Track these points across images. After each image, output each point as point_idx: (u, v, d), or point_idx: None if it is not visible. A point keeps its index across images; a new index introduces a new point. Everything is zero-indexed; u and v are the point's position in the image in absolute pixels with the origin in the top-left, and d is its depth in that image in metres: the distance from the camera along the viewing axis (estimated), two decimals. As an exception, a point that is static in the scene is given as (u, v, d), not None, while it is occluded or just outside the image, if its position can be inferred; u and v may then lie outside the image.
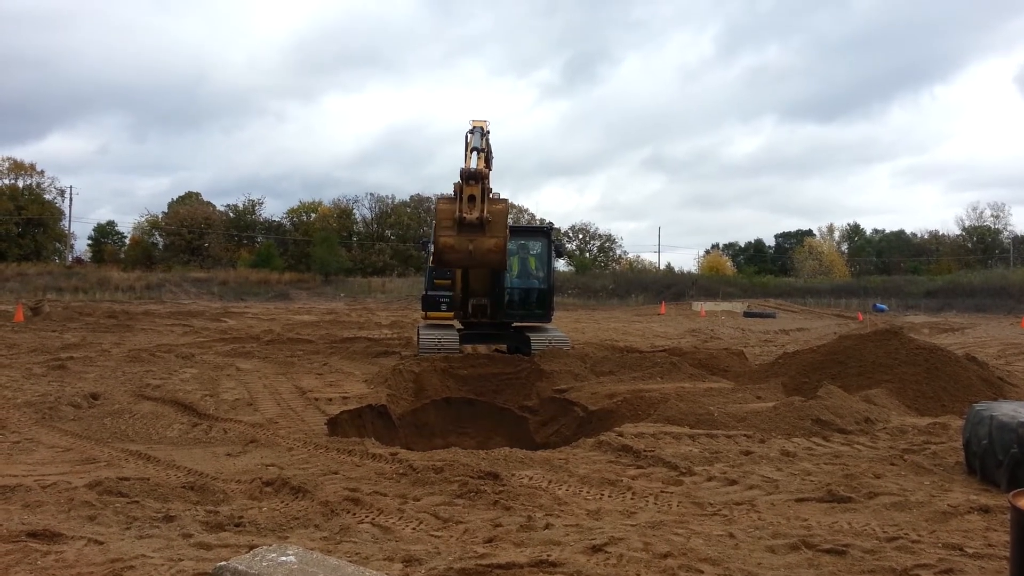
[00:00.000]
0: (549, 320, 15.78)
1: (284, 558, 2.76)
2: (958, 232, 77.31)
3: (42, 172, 65.54)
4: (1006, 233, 74.84)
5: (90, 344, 17.12)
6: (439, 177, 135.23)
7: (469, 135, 10.56)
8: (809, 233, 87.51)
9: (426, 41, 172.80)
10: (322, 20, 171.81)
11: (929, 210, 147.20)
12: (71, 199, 66.84)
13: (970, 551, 4.36)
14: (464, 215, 8.46)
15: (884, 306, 48.43)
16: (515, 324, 15.74)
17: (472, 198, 8.57)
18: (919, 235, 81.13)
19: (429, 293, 15.28)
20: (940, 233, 79.15)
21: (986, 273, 58.40)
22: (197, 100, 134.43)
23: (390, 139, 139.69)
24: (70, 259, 65.61)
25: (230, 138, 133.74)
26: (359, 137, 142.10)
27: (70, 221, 67.70)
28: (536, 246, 15.90)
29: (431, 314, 15.03)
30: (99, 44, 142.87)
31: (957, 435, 7.11)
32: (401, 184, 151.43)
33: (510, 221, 10.20)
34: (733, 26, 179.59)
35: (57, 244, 67.34)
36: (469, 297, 15.15)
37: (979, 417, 6.17)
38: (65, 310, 28.12)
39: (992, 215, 75.67)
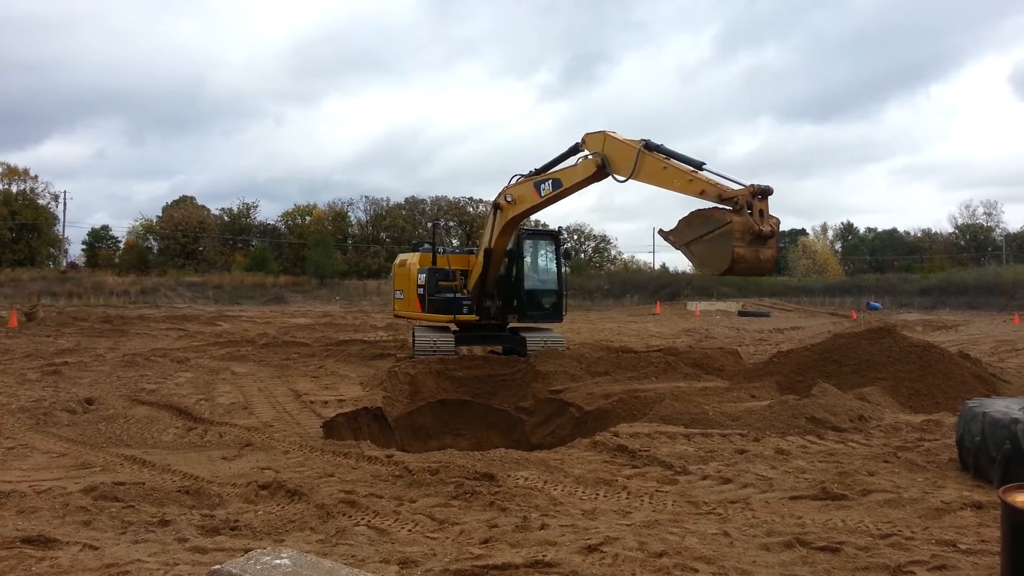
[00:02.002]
0: (561, 320, 15.97)
1: (278, 561, 2.76)
2: (951, 230, 77.72)
3: (36, 177, 65.27)
4: (999, 231, 75.26)
5: (84, 349, 17.08)
6: (437, 180, 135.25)
7: (611, 156, 11.49)
8: (803, 232, 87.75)
9: (425, 44, 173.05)
10: (322, 23, 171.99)
11: (923, 209, 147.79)
12: (65, 204, 66.61)
13: (963, 547, 4.38)
14: (761, 228, 9.42)
15: (878, 304, 48.56)
16: (512, 325, 15.78)
17: (761, 212, 9.56)
18: (912, 233, 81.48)
19: (457, 296, 14.97)
20: (933, 231, 79.54)
21: (979, 271, 58.58)
22: (196, 104, 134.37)
23: (388, 142, 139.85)
24: (64, 264, 65.28)
25: (229, 142, 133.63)
26: (357, 140, 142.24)
27: (64, 226, 67.45)
28: (547, 249, 16.04)
29: (459, 317, 14.94)
30: (98, 49, 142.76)
31: (950, 432, 7.14)
32: (398, 187, 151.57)
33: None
34: (731, 27, 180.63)
35: (51, 249, 67.05)
36: (484, 299, 15.17)
37: (972, 414, 6.20)
38: (59, 315, 28.00)
39: (984, 213, 76.10)
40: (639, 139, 11.26)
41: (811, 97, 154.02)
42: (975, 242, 74.54)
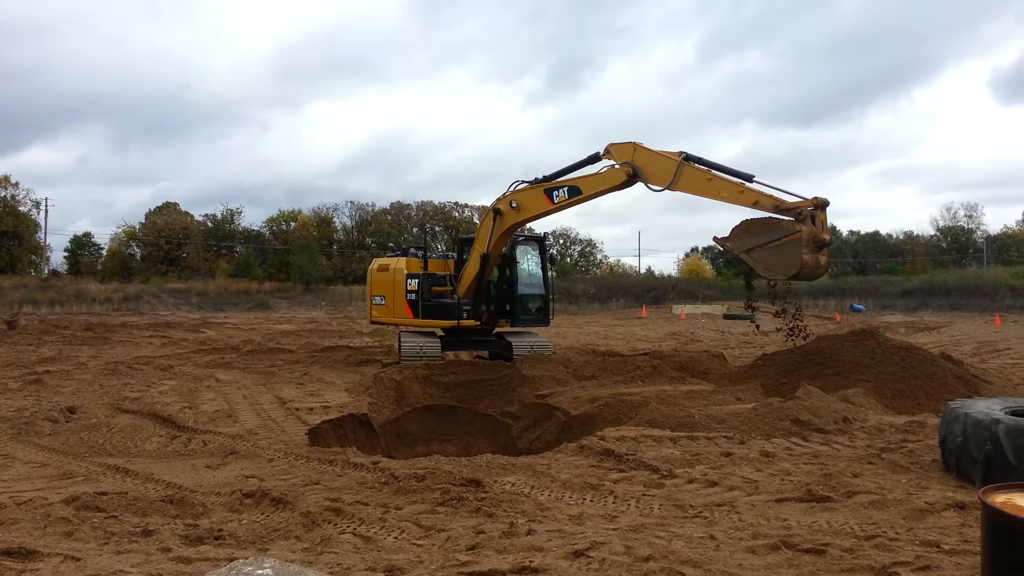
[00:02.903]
0: (548, 324, 16.09)
1: (261, 571, 2.74)
2: (933, 233, 78.48)
3: (16, 184, 64.57)
4: (979, 233, 76.10)
5: (67, 357, 16.89)
6: (423, 185, 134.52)
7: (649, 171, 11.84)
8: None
9: (412, 49, 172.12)
10: (308, 28, 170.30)
11: (905, 211, 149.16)
12: (47, 211, 66.00)
13: (947, 547, 4.42)
14: (824, 237, 10.29)
15: (861, 306, 49.02)
16: (498, 329, 15.78)
17: (822, 223, 10.37)
18: (894, 236, 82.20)
19: (462, 302, 14.94)
20: (915, 234, 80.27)
21: (960, 273, 59.29)
22: (181, 110, 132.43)
23: (374, 147, 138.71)
24: (46, 272, 64.65)
25: (214, 148, 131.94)
26: (343, 145, 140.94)
27: (46, 233, 66.81)
28: (533, 254, 16.08)
29: (463, 323, 14.94)
30: (84, 54, 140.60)
31: (933, 433, 7.20)
32: (383, 192, 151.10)
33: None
34: (715, 32, 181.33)
35: (33, 257, 66.37)
36: (480, 303, 15.19)
37: (954, 415, 6.26)
38: (41, 323, 27.72)
39: (966, 215, 76.88)
40: (677, 151, 11.71)
41: (794, 102, 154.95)
42: (956, 244, 75.34)
